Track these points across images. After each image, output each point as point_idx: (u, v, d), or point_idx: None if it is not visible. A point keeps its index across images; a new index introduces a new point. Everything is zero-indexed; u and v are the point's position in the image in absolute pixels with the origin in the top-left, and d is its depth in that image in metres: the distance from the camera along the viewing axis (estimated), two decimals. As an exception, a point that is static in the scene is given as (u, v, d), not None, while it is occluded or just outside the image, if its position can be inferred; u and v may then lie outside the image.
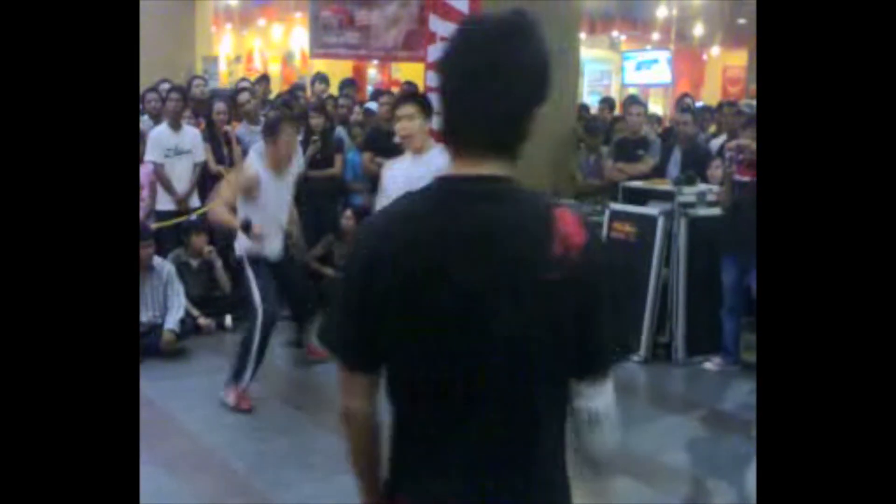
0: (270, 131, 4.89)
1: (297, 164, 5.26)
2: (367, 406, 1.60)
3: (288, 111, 6.20)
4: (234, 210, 4.91)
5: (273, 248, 5.01)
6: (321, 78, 9.41)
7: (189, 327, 6.00)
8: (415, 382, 1.51)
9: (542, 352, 1.45)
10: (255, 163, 4.94)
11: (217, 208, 5.03)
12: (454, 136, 1.49)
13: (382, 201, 4.41)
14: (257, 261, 4.93)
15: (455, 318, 1.44)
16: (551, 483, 1.52)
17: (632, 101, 8.67)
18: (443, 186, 1.50)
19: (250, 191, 4.82)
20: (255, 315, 4.87)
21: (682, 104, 9.35)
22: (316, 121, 7.38)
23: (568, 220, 1.44)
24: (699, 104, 10.50)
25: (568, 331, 1.44)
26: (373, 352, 1.52)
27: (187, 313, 6.00)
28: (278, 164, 4.90)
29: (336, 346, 1.60)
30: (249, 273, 4.91)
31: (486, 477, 1.47)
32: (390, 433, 1.58)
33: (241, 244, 4.93)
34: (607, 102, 10.21)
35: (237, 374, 4.91)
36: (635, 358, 5.93)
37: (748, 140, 5.49)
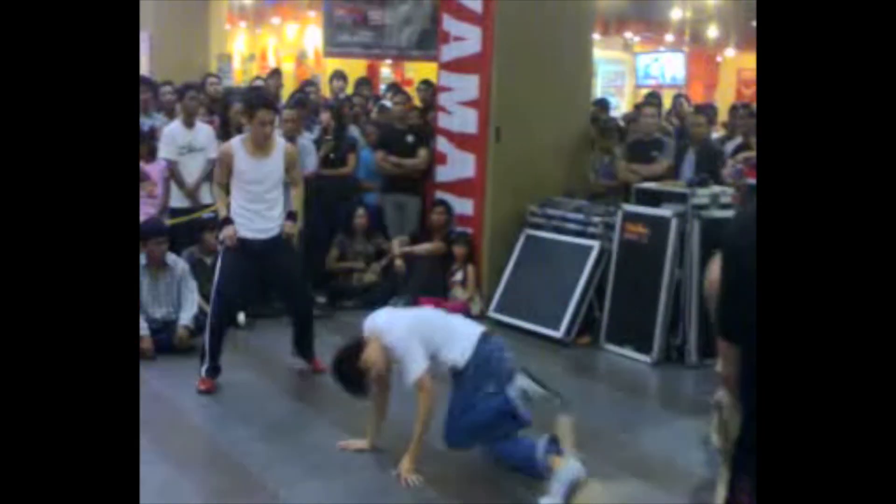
0: (247, 113, 5.11)
1: (289, 152, 5.26)
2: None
3: (267, 95, 6.30)
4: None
5: (257, 229, 5.11)
6: (339, 75, 9.44)
7: (202, 324, 6.00)
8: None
9: None
10: (233, 141, 5.19)
11: (214, 190, 5.26)
12: None
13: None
14: (237, 244, 5.08)
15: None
16: None
17: (645, 102, 8.64)
18: None
19: (225, 164, 5.06)
20: (212, 299, 5.16)
21: (678, 104, 9.30)
22: (328, 120, 7.42)
23: None
24: (712, 103, 10.40)
25: None
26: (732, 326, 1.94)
27: (201, 310, 6.01)
28: (256, 144, 5.05)
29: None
30: (220, 256, 5.18)
31: None
32: None
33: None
34: (601, 104, 9.37)
35: (202, 359, 5.13)
36: (647, 360, 5.92)
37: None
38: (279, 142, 5.20)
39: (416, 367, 3.85)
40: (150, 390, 4.91)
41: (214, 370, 5.13)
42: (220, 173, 5.16)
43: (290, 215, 5.27)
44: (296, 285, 5.38)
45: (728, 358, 2.01)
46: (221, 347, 5.16)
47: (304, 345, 5.43)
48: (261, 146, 5.04)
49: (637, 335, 6.01)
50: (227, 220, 5.08)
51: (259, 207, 5.09)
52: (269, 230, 5.14)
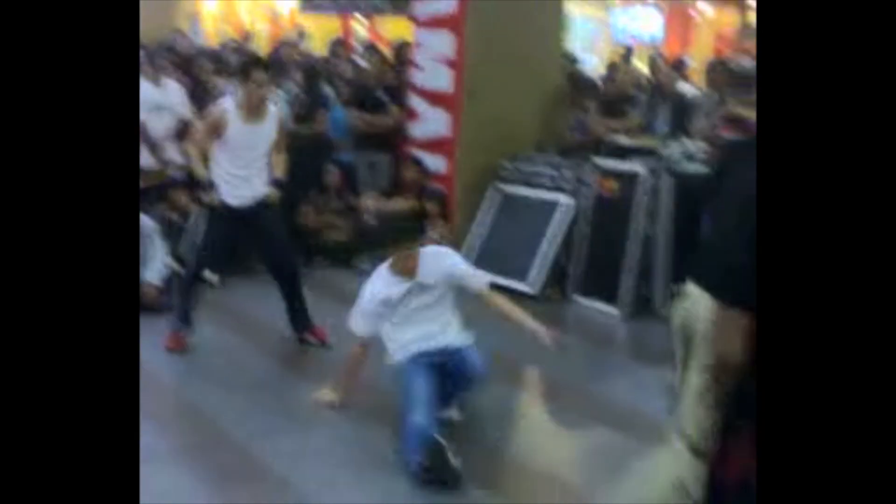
0: (242, 74, 4.91)
1: (279, 118, 5.14)
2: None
3: (259, 55, 6.14)
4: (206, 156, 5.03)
5: (243, 196, 4.99)
6: (300, 33, 9.49)
7: (173, 284, 5.97)
8: None
9: None
10: (226, 104, 4.99)
11: (191, 154, 5.11)
12: None
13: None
14: (219, 209, 4.98)
15: None
16: None
17: (621, 59, 8.61)
18: None
19: (216, 129, 4.87)
20: (191, 259, 5.23)
21: (653, 63, 9.24)
22: (301, 78, 7.37)
23: None
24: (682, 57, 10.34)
25: None
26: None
27: (172, 272, 5.97)
28: (249, 108, 4.88)
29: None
30: (204, 219, 5.13)
31: None
32: None
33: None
34: (570, 59, 8.88)
35: (173, 317, 5.16)
36: (616, 312, 5.95)
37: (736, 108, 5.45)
38: (271, 107, 5.06)
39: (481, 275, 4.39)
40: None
41: (184, 328, 5.08)
42: (204, 137, 4.98)
43: (276, 183, 5.15)
44: (284, 248, 5.26)
45: (726, 327, 1.75)
46: (192, 304, 5.11)
47: (299, 313, 5.23)
48: (255, 111, 4.87)
49: (607, 288, 6.05)
50: (211, 184, 4.95)
51: (247, 174, 4.96)
52: (254, 197, 5.02)
